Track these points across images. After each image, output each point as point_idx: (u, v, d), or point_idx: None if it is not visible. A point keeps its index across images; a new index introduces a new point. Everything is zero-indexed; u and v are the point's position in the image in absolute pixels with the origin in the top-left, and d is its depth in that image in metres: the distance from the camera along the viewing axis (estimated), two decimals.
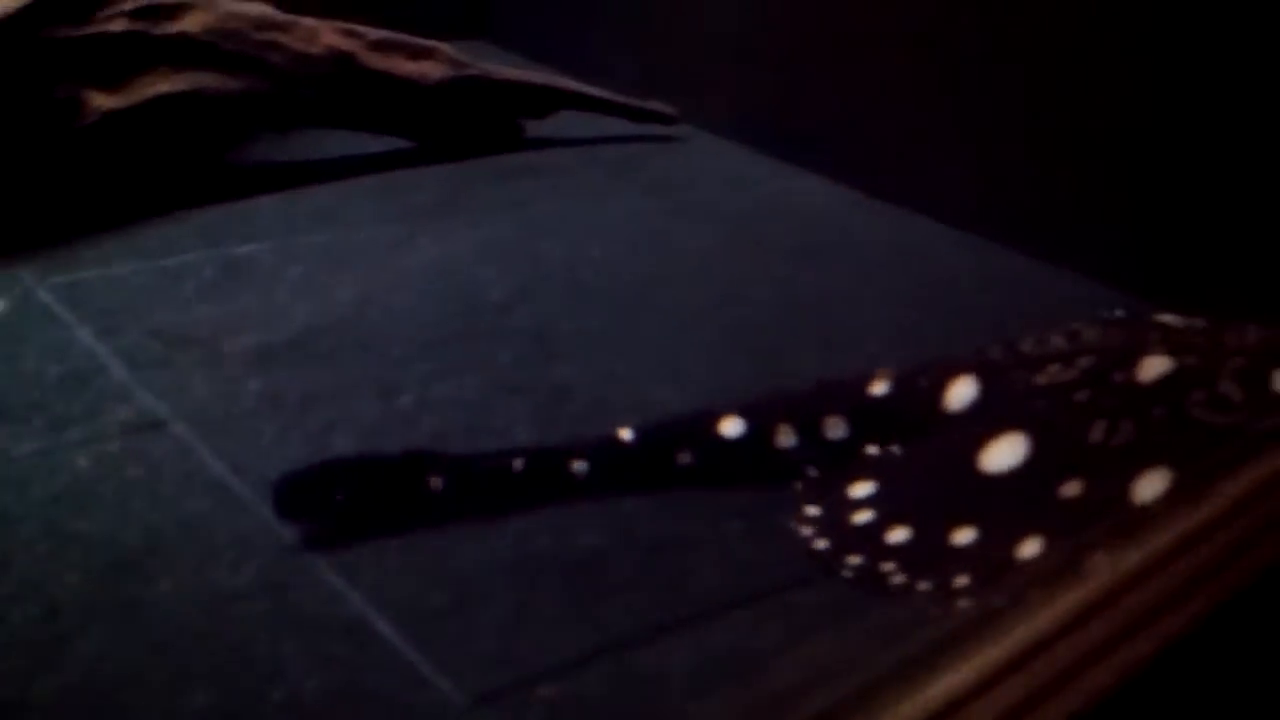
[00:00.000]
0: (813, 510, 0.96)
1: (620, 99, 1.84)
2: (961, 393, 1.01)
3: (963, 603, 0.84)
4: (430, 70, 1.74)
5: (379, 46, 1.72)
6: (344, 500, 0.95)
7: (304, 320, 1.30)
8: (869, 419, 1.01)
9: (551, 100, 1.80)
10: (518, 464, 0.98)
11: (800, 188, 1.66)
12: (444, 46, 1.76)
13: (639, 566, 0.92)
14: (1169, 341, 1.01)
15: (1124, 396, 0.96)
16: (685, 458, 1.00)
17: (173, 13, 1.59)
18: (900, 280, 1.38)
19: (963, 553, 0.89)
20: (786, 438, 1.00)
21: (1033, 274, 1.43)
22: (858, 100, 1.64)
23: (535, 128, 1.82)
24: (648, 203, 1.59)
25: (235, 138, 1.72)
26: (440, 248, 1.48)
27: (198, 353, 1.23)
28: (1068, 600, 0.60)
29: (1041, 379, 1.00)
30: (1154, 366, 0.98)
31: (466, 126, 1.78)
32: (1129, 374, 0.98)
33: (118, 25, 1.54)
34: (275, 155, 1.75)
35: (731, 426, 1.00)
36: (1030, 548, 0.88)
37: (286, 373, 1.19)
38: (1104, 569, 0.65)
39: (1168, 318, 1.11)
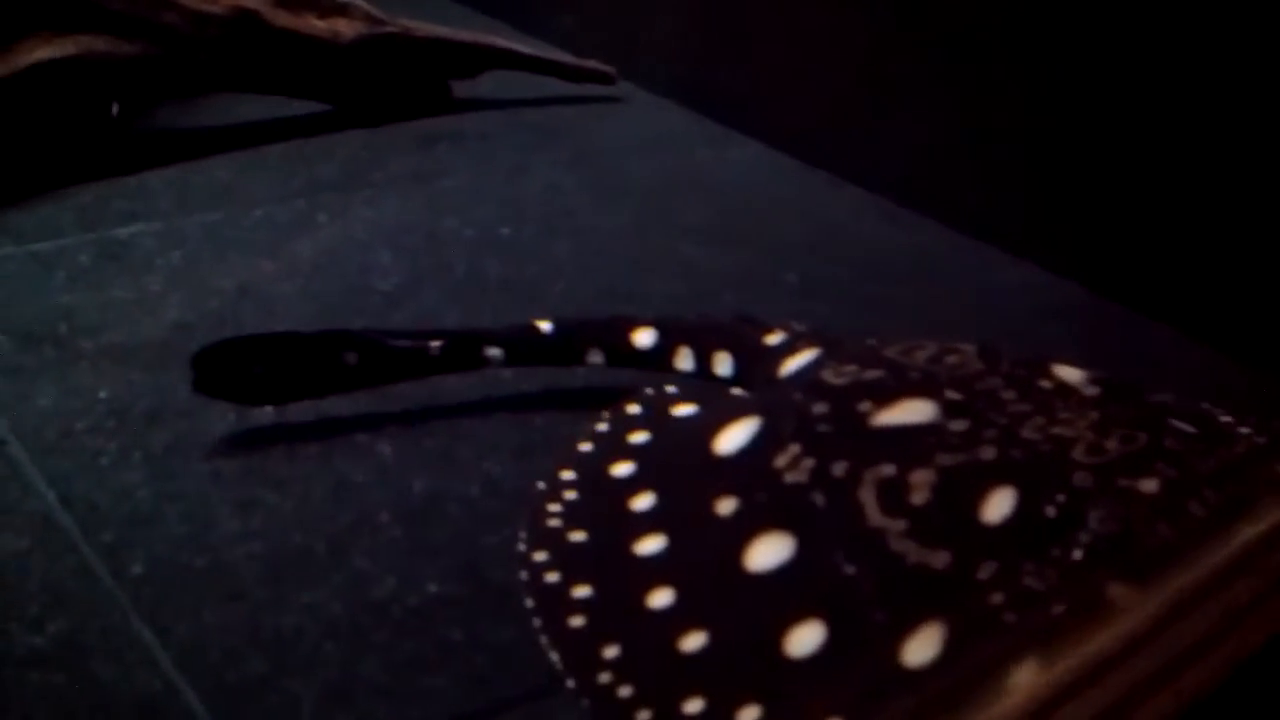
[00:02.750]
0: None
1: (555, 57, 1.70)
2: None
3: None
4: (344, 28, 1.60)
5: (286, 3, 1.58)
6: (261, 374, 0.98)
7: (174, 315, 1.19)
8: (753, 366, 0.98)
9: (480, 59, 1.67)
10: (434, 346, 1.00)
11: (734, 156, 1.53)
12: (359, 2, 1.62)
13: None
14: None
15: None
16: (595, 357, 1.02)
17: None
18: (821, 265, 1.25)
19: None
20: (684, 361, 1.01)
21: (968, 255, 1.31)
22: (799, 61, 1.51)
23: (467, 89, 1.70)
24: (569, 175, 1.46)
25: (129, 106, 1.60)
26: (337, 228, 1.36)
27: (51, 353, 1.12)
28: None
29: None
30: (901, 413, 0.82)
31: (387, 89, 1.65)
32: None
33: None
34: (178, 123, 1.62)
35: (644, 337, 1.01)
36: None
37: (143, 379, 1.08)
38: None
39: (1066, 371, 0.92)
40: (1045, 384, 0.84)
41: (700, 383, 1.00)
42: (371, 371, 1.00)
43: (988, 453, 0.78)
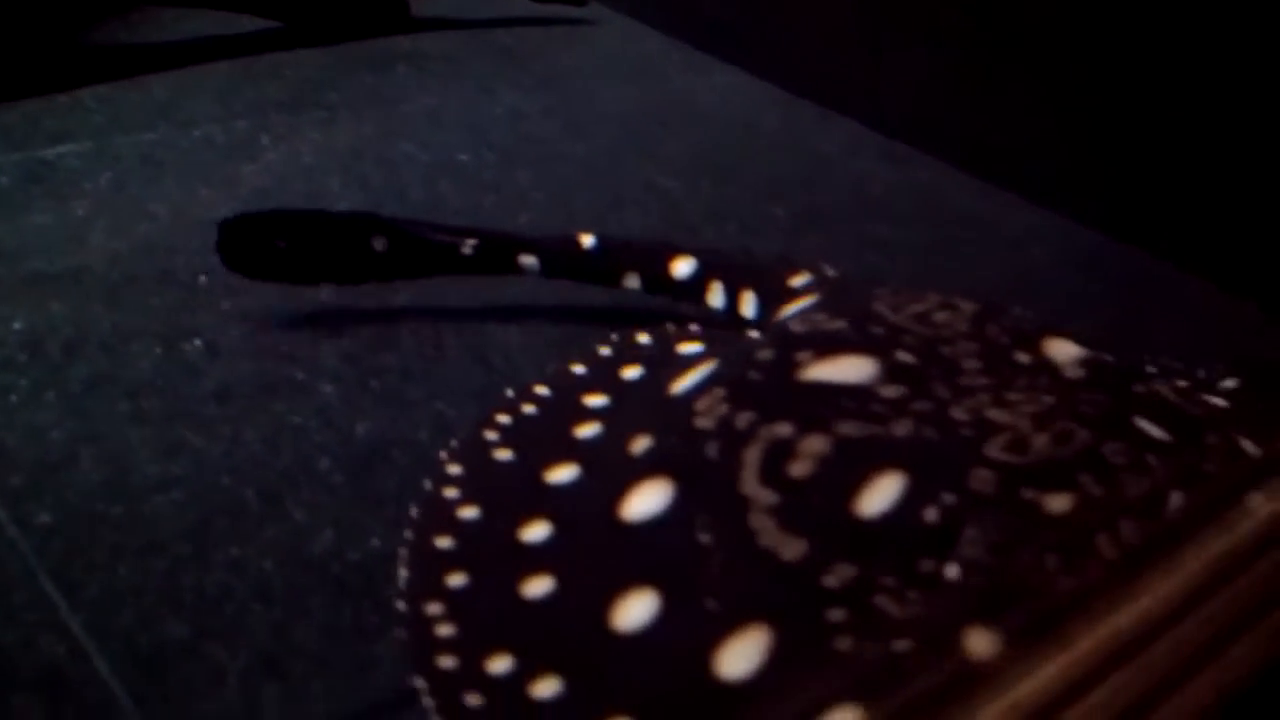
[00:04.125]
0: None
1: None
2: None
3: None
4: None
5: None
6: (285, 249, 0.95)
7: (101, 242, 1.09)
8: (771, 308, 0.91)
9: None
10: (468, 245, 0.95)
11: (716, 84, 1.43)
12: None
13: None
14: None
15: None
16: (632, 281, 0.96)
17: None
18: (812, 200, 1.16)
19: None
20: (715, 297, 0.94)
21: (977, 197, 1.21)
22: None
23: (428, 7, 1.59)
24: (536, 99, 1.36)
25: (67, 18, 1.48)
26: (282, 152, 1.25)
27: None
28: None
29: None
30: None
31: (342, 5, 1.55)
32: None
33: None
34: (116, 38, 1.51)
35: (683, 266, 0.95)
36: None
37: (63, 310, 0.99)
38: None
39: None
40: (1022, 358, 0.74)
41: (725, 321, 0.92)
42: (399, 262, 0.96)
43: (900, 428, 0.68)
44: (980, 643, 0.53)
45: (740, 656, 0.62)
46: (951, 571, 0.62)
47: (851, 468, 0.66)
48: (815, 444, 0.68)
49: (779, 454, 0.68)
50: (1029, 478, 0.65)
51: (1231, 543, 0.59)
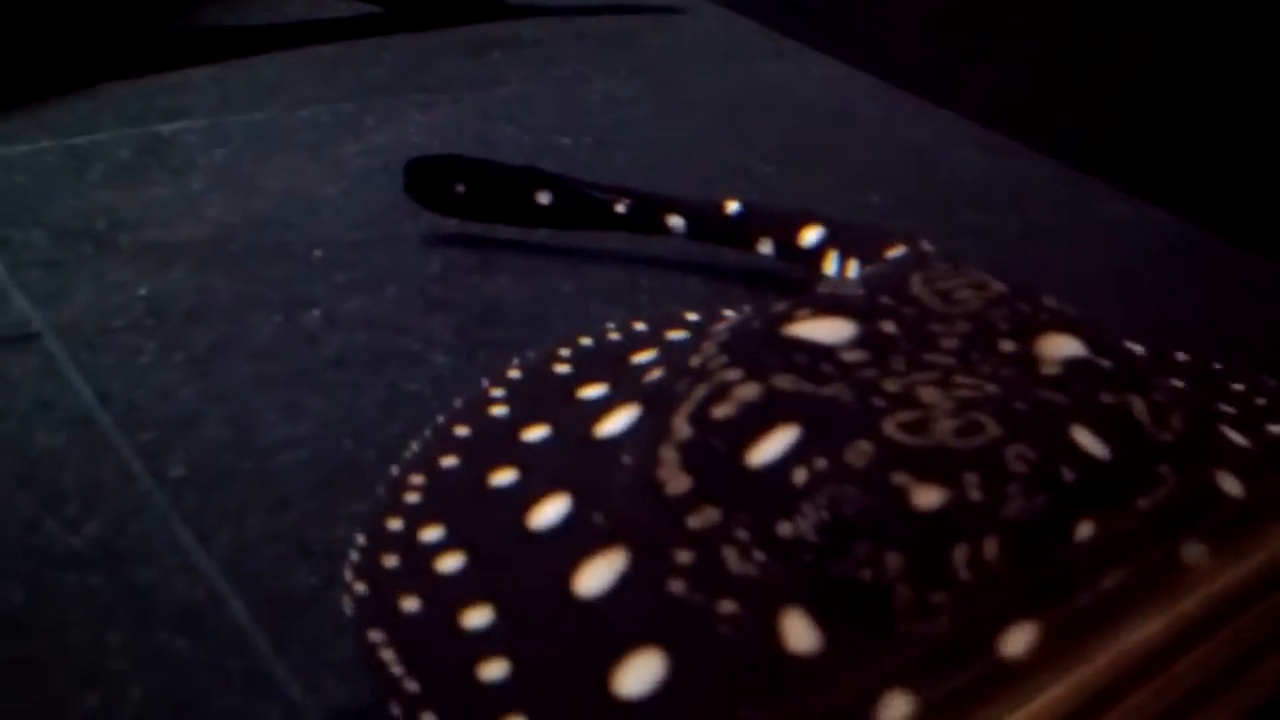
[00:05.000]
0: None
1: None
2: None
3: None
4: None
5: None
6: (463, 193, 1.07)
7: (218, 215, 1.14)
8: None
9: None
10: (622, 205, 1.02)
11: (809, 72, 1.44)
12: None
13: None
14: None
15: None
16: (765, 247, 1.01)
17: None
18: (908, 188, 1.18)
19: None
20: (830, 265, 0.97)
21: (1070, 187, 1.22)
22: None
23: None
24: (631, 86, 1.39)
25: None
26: (387, 132, 1.30)
27: (89, 249, 1.07)
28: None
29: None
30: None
31: None
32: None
33: None
34: (222, 20, 1.56)
35: (811, 235, 0.98)
36: None
37: (184, 278, 1.03)
38: None
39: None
40: (1006, 346, 0.72)
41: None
42: (558, 214, 1.05)
43: (829, 389, 0.68)
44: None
45: (594, 576, 0.64)
46: (785, 531, 0.62)
47: (763, 418, 0.67)
48: (747, 390, 0.69)
49: (716, 394, 0.70)
50: (907, 460, 0.63)
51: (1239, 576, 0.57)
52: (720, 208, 1.01)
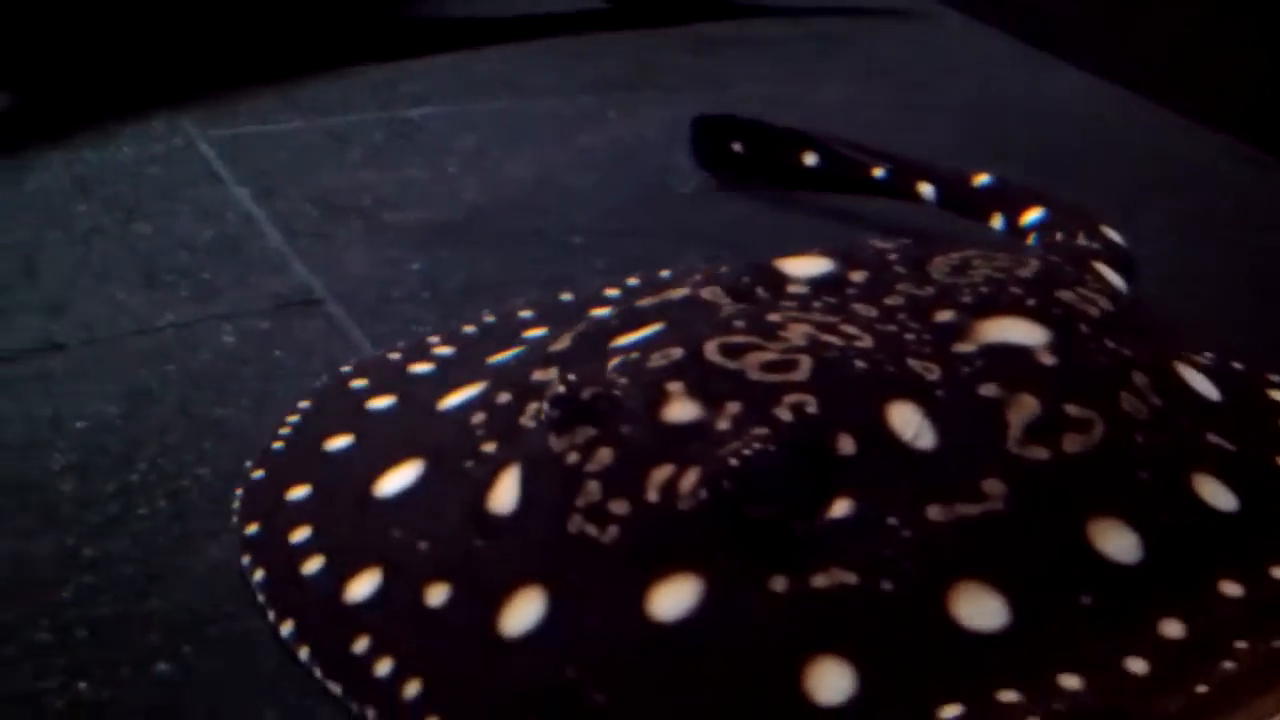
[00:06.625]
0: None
1: None
2: None
3: None
4: None
5: None
6: (740, 152, 1.16)
7: (473, 198, 1.18)
8: None
9: None
10: (880, 171, 1.06)
11: (1053, 82, 1.42)
12: None
13: None
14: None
15: None
16: (997, 221, 1.02)
17: None
18: (1184, 208, 1.14)
19: None
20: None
21: None
22: None
23: None
24: (867, 87, 1.39)
25: None
26: (627, 125, 1.33)
27: (358, 224, 1.13)
28: None
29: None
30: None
31: None
32: None
33: None
34: (454, 12, 1.62)
35: (1033, 215, 0.99)
36: None
37: (451, 255, 1.08)
38: None
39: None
40: (942, 316, 0.74)
41: None
42: (821, 176, 1.11)
43: (729, 308, 0.76)
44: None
45: (502, 496, 0.67)
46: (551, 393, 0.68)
47: (646, 317, 0.76)
48: (676, 293, 0.79)
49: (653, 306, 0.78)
50: (691, 372, 0.67)
51: None
52: (968, 179, 1.03)
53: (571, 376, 0.69)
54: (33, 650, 0.67)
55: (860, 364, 0.69)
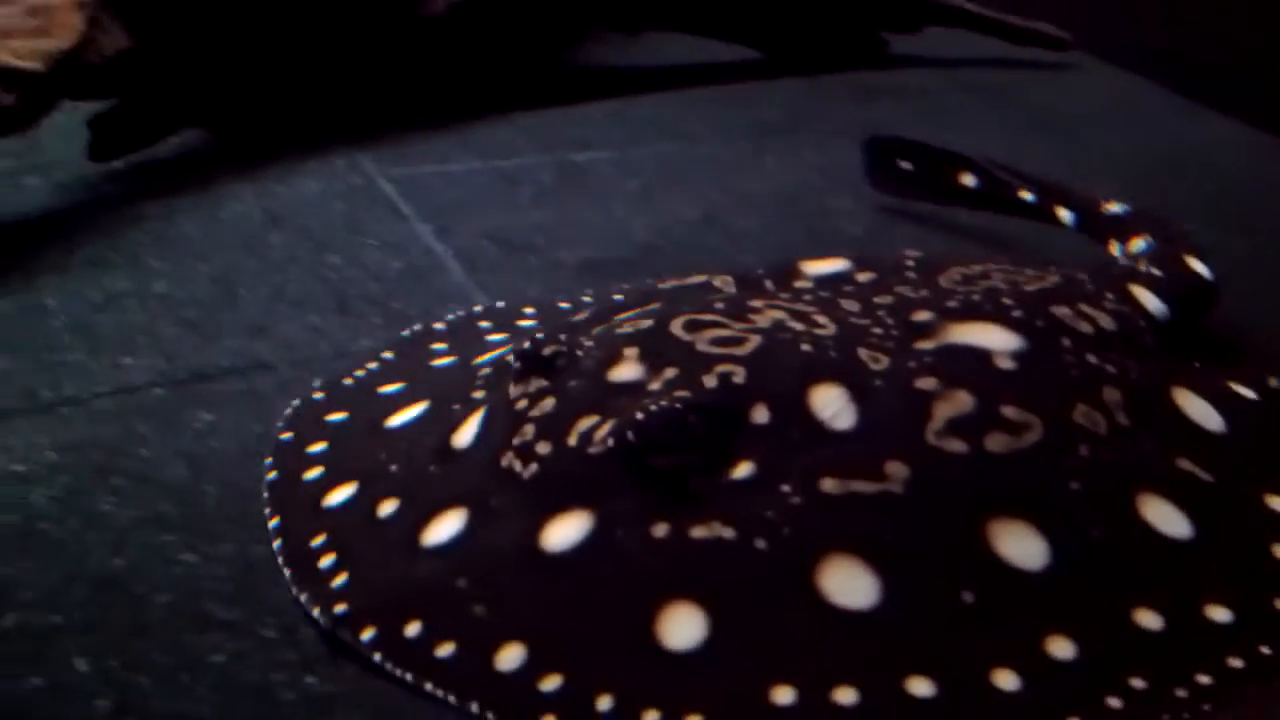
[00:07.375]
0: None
1: (1002, 17, 1.64)
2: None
3: None
4: None
5: None
6: (906, 170, 1.21)
7: (642, 236, 1.22)
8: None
9: (920, 13, 1.63)
10: (1027, 194, 1.10)
11: (1215, 133, 1.42)
12: None
13: None
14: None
15: None
16: (1114, 248, 1.02)
17: None
18: None
19: None
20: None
21: None
22: None
23: (899, 44, 1.67)
24: (1033, 141, 1.40)
25: (573, 36, 1.66)
26: (787, 170, 1.36)
27: (534, 260, 1.17)
28: None
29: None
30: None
31: (821, 38, 1.65)
32: None
33: None
34: (610, 60, 1.67)
35: (1139, 244, 1.00)
36: None
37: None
38: None
39: None
40: (920, 316, 0.78)
41: None
42: (975, 196, 1.15)
43: (722, 293, 0.84)
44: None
45: (464, 433, 0.76)
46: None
47: (650, 296, 0.87)
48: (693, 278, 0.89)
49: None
50: (649, 341, 0.74)
51: None
52: (1100, 205, 1.06)
53: (539, 334, 0.78)
54: (264, 645, 0.71)
55: (806, 347, 0.74)
